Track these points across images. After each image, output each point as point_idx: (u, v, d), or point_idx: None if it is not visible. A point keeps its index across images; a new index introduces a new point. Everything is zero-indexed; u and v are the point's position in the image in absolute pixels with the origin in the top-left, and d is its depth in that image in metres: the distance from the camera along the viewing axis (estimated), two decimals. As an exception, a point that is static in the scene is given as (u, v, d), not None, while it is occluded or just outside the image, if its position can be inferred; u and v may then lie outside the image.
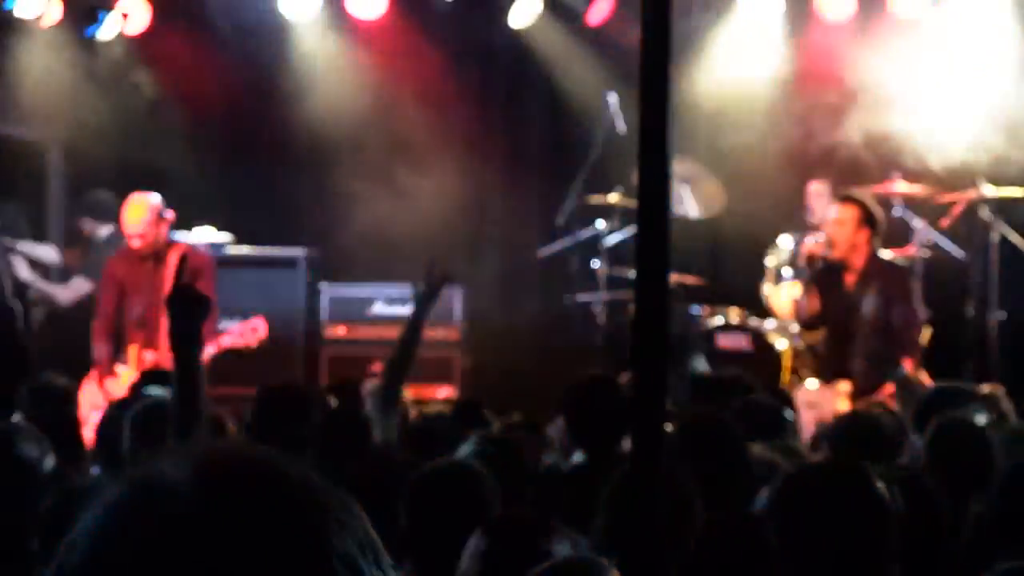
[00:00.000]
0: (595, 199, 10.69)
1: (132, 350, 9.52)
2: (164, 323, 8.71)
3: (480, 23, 11.15)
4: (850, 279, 9.57)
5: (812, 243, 9.86)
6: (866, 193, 10.00)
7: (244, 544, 1.30)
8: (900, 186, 10.31)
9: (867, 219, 9.49)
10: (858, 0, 10.86)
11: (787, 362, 10.01)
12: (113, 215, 9.70)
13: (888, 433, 6.25)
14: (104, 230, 10.21)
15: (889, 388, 8.92)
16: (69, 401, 7.08)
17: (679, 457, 4.71)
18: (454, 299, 11.71)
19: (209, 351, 9.11)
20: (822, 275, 9.63)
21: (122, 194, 9.95)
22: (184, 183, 9.92)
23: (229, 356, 9.37)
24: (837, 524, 3.87)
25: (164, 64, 11.51)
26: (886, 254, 9.68)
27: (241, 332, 9.29)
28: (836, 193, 9.94)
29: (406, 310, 11.00)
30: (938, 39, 10.53)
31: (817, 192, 10.07)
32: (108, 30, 11.12)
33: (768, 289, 10.38)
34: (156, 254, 9.56)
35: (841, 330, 9.59)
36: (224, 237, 11.10)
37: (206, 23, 11.22)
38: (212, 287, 9.33)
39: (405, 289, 11.16)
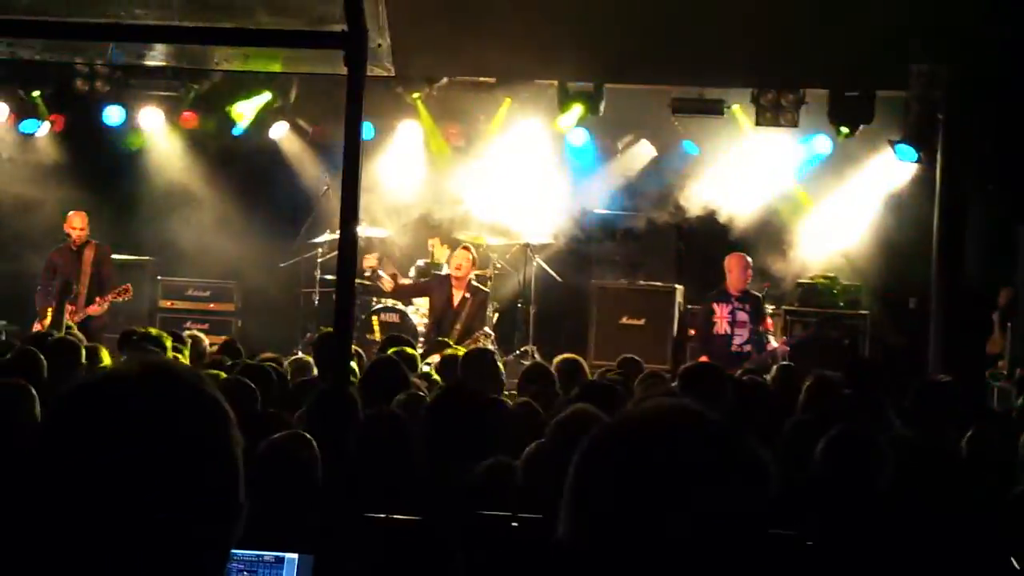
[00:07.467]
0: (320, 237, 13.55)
1: (52, 306, 11.96)
2: (81, 289, 10.83)
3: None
4: (458, 290, 12.75)
5: (445, 269, 12.78)
6: (470, 243, 13.15)
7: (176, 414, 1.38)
8: (486, 239, 13.91)
9: (474, 260, 12.63)
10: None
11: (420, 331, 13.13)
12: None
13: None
14: None
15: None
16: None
17: None
18: (233, 288, 13.89)
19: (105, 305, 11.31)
20: (439, 287, 12.77)
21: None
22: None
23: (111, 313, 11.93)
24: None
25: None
26: (476, 277, 12.94)
27: (119, 292, 11.96)
28: (448, 244, 13.00)
29: (206, 294, 12.98)
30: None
31: (433, 244, 13.26)
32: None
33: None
34: (79, 248, 12.07)
35: (448, 318, 12.72)
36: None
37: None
38: (112, 267, 11.98)
39: (207, 282, 13.84)
